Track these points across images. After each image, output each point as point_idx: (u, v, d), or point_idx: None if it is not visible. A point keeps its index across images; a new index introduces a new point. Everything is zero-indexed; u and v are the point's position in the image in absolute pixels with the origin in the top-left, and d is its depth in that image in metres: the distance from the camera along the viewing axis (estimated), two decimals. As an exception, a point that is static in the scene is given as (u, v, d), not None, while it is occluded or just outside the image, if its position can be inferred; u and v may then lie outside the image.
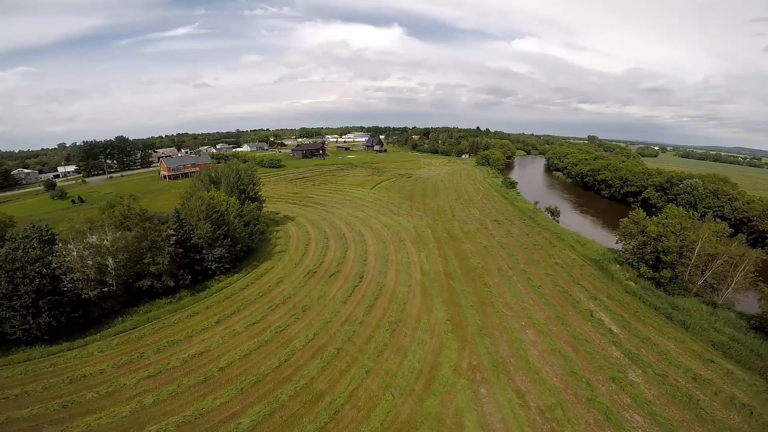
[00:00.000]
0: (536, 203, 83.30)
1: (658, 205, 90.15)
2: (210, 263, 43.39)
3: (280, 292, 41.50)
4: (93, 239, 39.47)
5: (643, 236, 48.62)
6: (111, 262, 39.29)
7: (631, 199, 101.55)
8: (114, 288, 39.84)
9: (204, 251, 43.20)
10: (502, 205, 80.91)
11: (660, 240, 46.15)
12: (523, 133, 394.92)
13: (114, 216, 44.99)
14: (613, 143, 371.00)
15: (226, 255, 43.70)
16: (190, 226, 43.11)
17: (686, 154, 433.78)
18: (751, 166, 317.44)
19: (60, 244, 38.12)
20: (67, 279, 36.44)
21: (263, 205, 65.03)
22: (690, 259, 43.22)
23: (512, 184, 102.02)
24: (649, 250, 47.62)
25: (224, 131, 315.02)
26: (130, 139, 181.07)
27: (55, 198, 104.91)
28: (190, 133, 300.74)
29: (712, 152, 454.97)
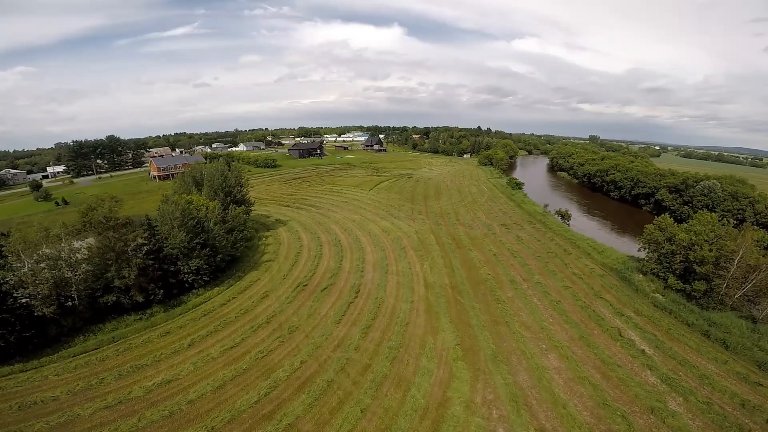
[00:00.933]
0: (546, 206, 78.32)
1: (672, 207, 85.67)
2: (186, 276, 38.49)
3: (265, 309, 36.57)
4: (49, 250, 34.66)
5: (671, 244, 43.88)
6: (71, 275, 34.56)
7: (643, 201, 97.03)
8: (76, 303, 35.15)
9: (179, 262, 38.29)
10: (509, 208, 75.92)
11: (692, 249, 41.39)
12: (524, 133, 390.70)
13: (69, 225, 40.20)
14: (614, 143, 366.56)
15: (205, 266, 38.79)
16: (163, 235, 38.21)
17: (688, 154, 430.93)
18: (753, 166, 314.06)
19: (9, 256, 33.29)
20: (19, 295, 31.93)
21: (252, 208, 60.03)
22: (728, 271, 38.47)
23: (518, 185, 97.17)
24: (678, 260, 42.87)
25: (223, 131, 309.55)
26: (124, 138, 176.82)
27: (40, 200, 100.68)
28: (188, 132, 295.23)
29: (714, 152, 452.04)
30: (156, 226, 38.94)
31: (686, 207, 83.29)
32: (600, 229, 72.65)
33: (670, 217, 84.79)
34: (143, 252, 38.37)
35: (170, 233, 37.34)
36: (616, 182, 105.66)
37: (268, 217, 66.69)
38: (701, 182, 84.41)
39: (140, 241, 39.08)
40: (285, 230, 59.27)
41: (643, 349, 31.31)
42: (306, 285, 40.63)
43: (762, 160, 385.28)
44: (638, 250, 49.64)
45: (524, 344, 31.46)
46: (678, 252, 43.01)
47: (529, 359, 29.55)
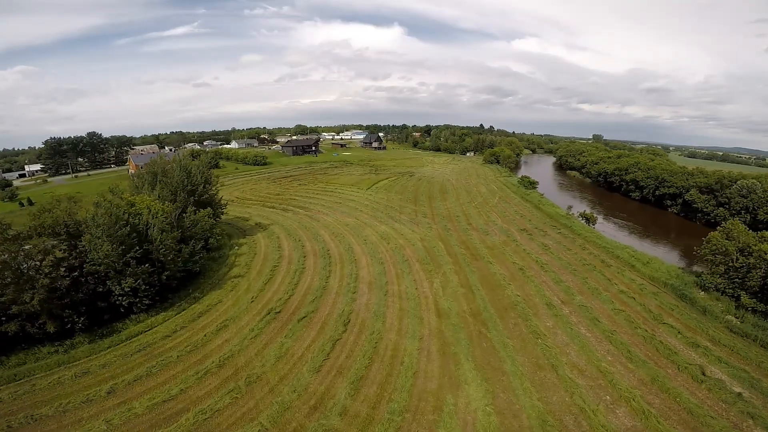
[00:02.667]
0: (570, 208, 68.92)
1: (705, 209, 76.59)
2: (119, 298, 28.97)
3: (220, 345, 26.95)
4: None
5: (747, 257, 34.73)
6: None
7: (669, 202, 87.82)
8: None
9: (109, 282, 28.77)
10: (526, 210, 66.31)
11: (779, 262, 32.16)
12: (524, 133, 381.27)
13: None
14: (619, 143, 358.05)
15: (144, 287, 29.21)
16: (88, 247, 28.71)
17: (692, 154, 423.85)
18: (758, 166, 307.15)
19: None
20: None
21: (223, 210, 50.38)
22: (837, 293, 29.32)
23: (532, 184, 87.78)
24: (757, 275, 33.70)
25: (221, 130, 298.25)
26: (123, 136, 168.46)
27: (5, 200, 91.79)
28: (184, 131, 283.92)
29: (718, 152, 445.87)
30: (79, 235, 29.47)
31: (722, 209, 74.29)
32: (629, 235, 63.37)
33: (704, 221, 76.45)
34: (64, 268, 29.08)
35: (92, 244, 27.79)
36: (637, 182, 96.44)
37: (247, 221, 56.94)
38: (739, 182, 75.39)
39: (60, 254, 29.75)
40: (264, 237, 49.43)
41: (739, 392, 23.00)
42: (279, 312, 30.75)
43: (765, 160, 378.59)
44: (697, 262, 40.50)
45: (581, 397, 22.30)
46: (757, 266, 33.86)
47: (590, 419, 20.62)
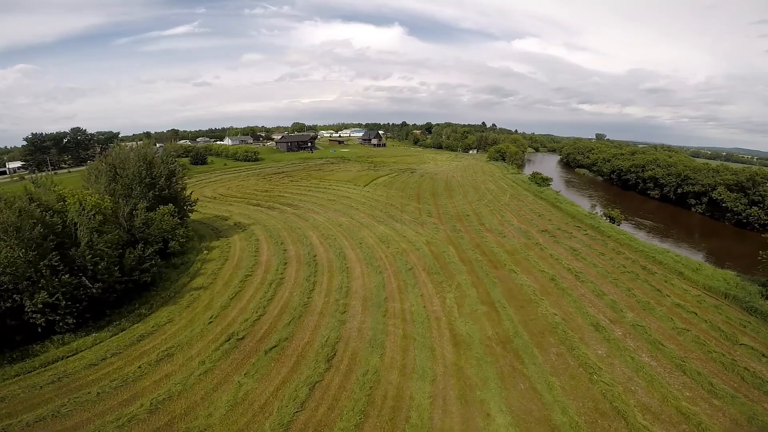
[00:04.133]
0: (594, 206, 61.89)
1: (735, 209, 69.73)
2: (33, 316, 21.90)
3: (157, 382, 19.72)
4: None
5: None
6: None
7: (693, 201, 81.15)
8: None
9: (18, 296, 21.67)
10: (543, 209, 58.95)
11: None
12: (525, 132, 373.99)
13: None
14: (622, 143, 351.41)
15: (66, 302, 22.12)
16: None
17: (695, 153, 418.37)
18: (763, 166, 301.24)
19: None
20: None
21: (192, 208, 43.00)
22: None
23: (545, 181, 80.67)
24: None
25: (220, 128, 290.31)
26: (90, 131, 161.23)
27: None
28: (183, 129, 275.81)
29: (722, 152, 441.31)
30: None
31: (755, 208, 67.48)
32: (656, 236, 56.50)
33: (734, 221, 69.62)
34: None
35: (-12, 248, 20.64)
36: (656, 179, 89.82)
37: (226, 220, 49.57)
38: (772, 178, 68.71)
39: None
40: (241, 238, 42.05)
41: None
42: (242, 338, 23.36)
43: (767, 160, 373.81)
44: (758, 268, 33.55)
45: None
46: None
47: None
